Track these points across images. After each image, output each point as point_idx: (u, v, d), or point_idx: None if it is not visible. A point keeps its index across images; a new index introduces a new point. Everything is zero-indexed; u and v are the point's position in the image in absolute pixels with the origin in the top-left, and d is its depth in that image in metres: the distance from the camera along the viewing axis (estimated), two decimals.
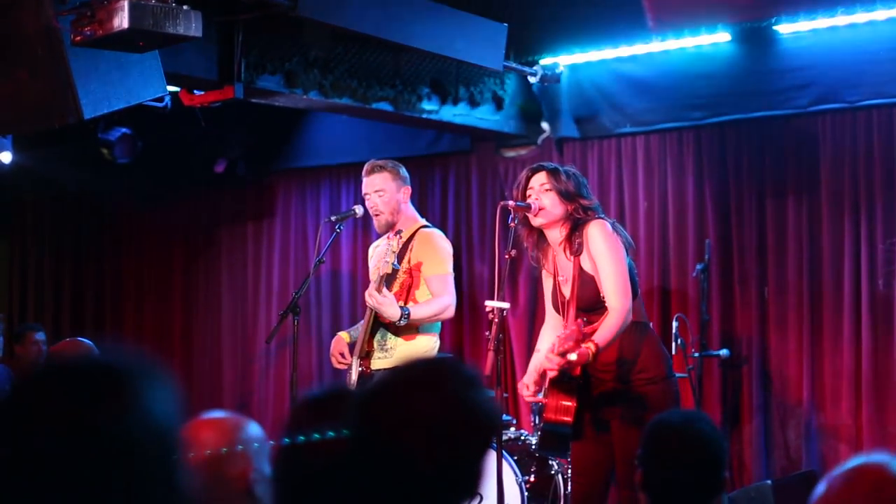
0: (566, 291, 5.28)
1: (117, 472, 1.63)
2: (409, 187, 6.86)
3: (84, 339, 5.03)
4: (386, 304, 6.47)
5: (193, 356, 10.59)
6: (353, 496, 2.14)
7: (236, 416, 3.04)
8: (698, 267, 7.75)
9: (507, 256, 5.20)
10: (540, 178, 5.28)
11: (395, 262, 6.49)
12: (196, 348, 10.61)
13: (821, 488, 2.32)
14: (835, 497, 2.30)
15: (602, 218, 5.24)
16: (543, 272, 5.50)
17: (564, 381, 5.06)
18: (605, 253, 5.14)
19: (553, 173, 5.27)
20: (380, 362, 6.58)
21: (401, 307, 6.47)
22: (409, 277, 6.71)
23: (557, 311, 5.40)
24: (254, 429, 2.97)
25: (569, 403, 5.08)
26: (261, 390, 10.03)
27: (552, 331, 5.38)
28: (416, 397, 2.15)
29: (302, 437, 2.45)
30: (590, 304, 5.17)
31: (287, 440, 2.52)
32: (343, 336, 6.88)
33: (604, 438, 5.22)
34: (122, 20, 4.79)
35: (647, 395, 5.14)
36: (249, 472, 2.89)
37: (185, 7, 4.97)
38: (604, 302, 5.12)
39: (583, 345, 4.84)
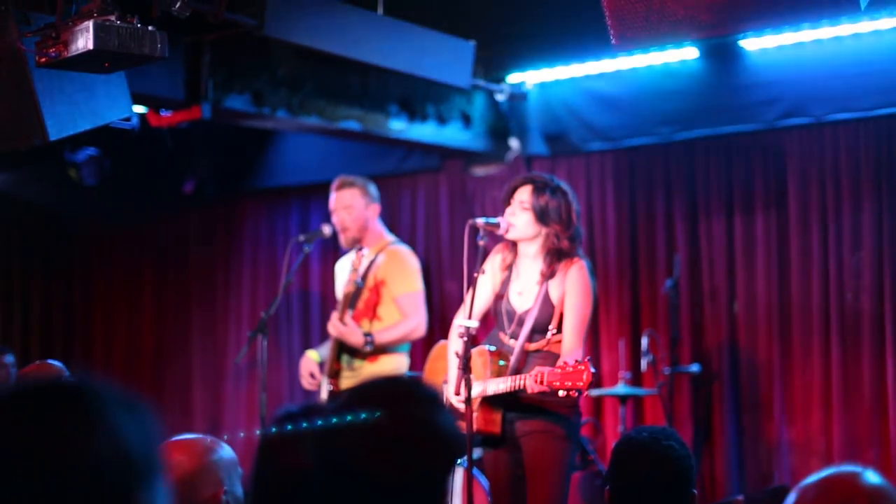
0: (519, 304, 5.29)
1: (83, 498, 1.61)
2: (378, 205, 6.87)
3: (54, 362, 4.97)
4: (348, 333, 6.51)
5: (164, 377, 10.54)
6: None
7: (208, 438, 3.03)
8: (668, 282, 7.77)
9: (476, 275, 5.20)
10: (524, 193, 5.28)
11: (360, 280, 6.51)
12: (166, 369, 10.55)
13: (791, 498, 2.32)
14: None
15: (582, 258, 5.28)
16: (486, 275, 5.41)
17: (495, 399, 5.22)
18: (580, 301, 5.26)
19: (538, 191, 5.26)
20: (348, 381, 6.59)
21: (365, 334, 6.49)
22: (376, 295, 6.72)
23: (496, 316, 5.41)
24: (226, 450, 2.96)
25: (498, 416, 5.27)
26: (232, 411, 9.98)
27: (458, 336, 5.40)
28: (377, 418, 2.15)
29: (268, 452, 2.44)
30: (542, 326, 5.27)
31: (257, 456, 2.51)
32: (312, 355, 6.88)
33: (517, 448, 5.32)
34: (86, 41, 4.76)
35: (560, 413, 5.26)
36: (221, 494, 2.87)
37: (150, 28, 4.94)
38: (550, 328, 5.26)
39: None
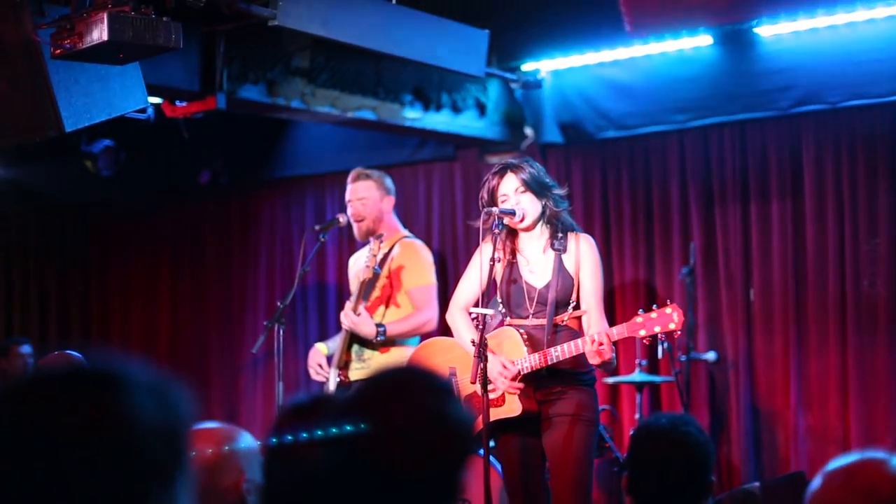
0: (536, 281, 5.29)
1: (111, 478, 1.61)
2: (393, 198, 6.89)
3: (73, 352, 4.99)
4: (361, 324, 6.52)
5: (181, 367, 10.54)
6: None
7: (228, 427, 3.04)
8: (684, 270, 7.76)
9: (491, 263, 5.20)
10: (511, 182, 5.27)
11: (377, 267, 6.53)
12: (183, 359, 10.56)
13: (817, 483, 2.32)
14: (832, 493, 2.30)
15: (585, 232, 5.37)
16: (489, 258, 5.33)
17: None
18: (596, 273, 5.32)
19: (518, 170, 5.27)
20: (357, 373, 6.61)
21: (377, 325, 6.50)
22: (390, 286, 6.73)
23: (509, 302, 5.39)
24: (246, 439, 2.96)
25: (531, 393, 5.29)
26: (248, 401, 10.00)
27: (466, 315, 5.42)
28: (388, 409, 2.16)
29: (275, 440, 2.46)
30: (564, 299, 5.26)
31: (270, 446, 2.52)
32: (320, 348, 6.91)
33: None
34: (101, 33, 4.77)
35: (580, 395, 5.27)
36: (242, 482, 2.88)
37: (164, 18, 4.96)
38: (571, 301, 5.27)
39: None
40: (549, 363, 5.15)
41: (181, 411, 1.75)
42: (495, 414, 5.22)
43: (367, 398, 2.23)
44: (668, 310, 5.03)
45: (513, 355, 5.17)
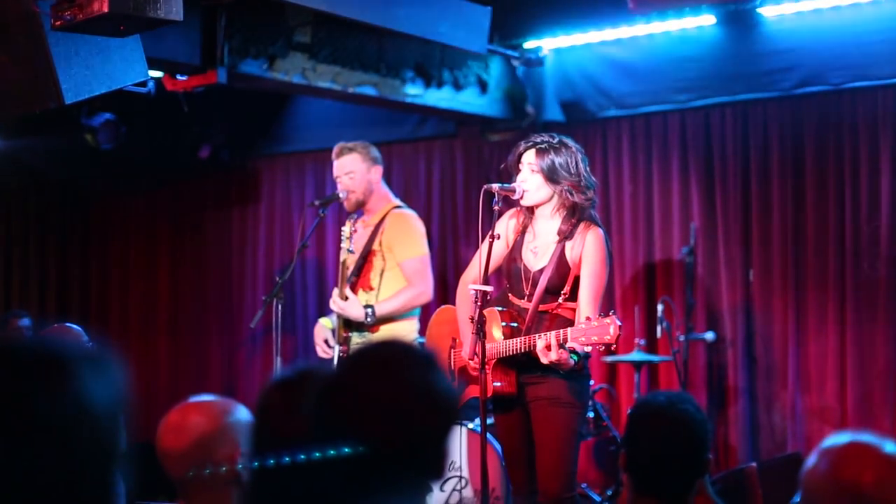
0: (533, 263, 5.27)
1: (49, 452, 1.66)
2: (381, 167, 6.86)
3: (72, 325, 4.99)
4: (348, 307, 6.54)
5: (180, 342, 10.58)
6: (316, 480, 2.14)
7: (224, 400, 3.05)
8: (684, 250, 7.76)
9: (490, 239, 5.19)
10: (530, 157, 5.25)
11: (350, 247, 6.56)
12: (182, 334, 10.59)
13: (811, 461, 2.33)
14: (827, 470, 2.31)
15: (599, 227, 5.23)
16: (500, 240, 5.35)
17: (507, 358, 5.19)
18: (597, 269, 5.17)
19: (542, 153, 5.22)
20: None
21: (365, 306, 6.51)
22: (382, 260, 6.73)
23: (509, 278, 5.39)
24: (242, 412, 2.97)
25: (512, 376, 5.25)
26: (247, 375, 10.02)
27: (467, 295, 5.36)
28: (373, 383, 2.17)
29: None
30: (556, 287, 5.21)
31: (254, 421, 2.53)
32: (324, 322, 6.91)
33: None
34: (102, 4, 4.75)
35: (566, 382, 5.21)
36: (237, 455, 2.89)
37: None
38: (563, 292, 5.19)
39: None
40: (502, 355, 5.15)
41: (119, 390, 1.78)
42: (475, 391, 5.22)
43: (352, 373, 2.24)
44: (606, 320, 4.76)
45: (488, 337, 5.15)
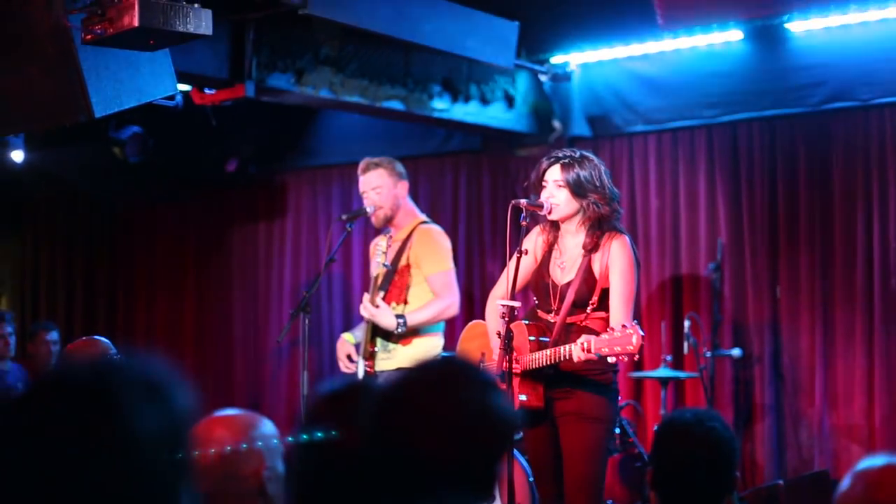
0: (560, 277, 5.26)
1: (120, 477, 1.64)
2: (407, 182, 6.86)
3: (100, 338, 5.00)
4: (380, 315, 6.53)
5: (205, 355, 10.59)
6: (367, 496, 2.14)
7: (250, 414, 3.04)
8: (710, 266, 7.74)
9: (518, 255, 5.18)
10: (554, 173, 5.25)
11: (386, 262, 6.55)
12: (208, 347, 10.61)
13: (846, 483, 2.31)
14: (862, 494, 2.29)
15: (624, 233, 5.22)
16: (528, 255, 5.34)
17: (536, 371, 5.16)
18: (625, 274, 5.14)
19: (567, 167, 5.22)
20: (384, 363, 6.61)
21: (397, 316, 6.50)
22: (409, 276, 6.72)
23: (537, 293, 5.39)
24: (267, 426, 2.96)
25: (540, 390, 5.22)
26: (272, 390, 10.03)
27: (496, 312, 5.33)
28: (433, 401, 2.16)
29: (319, 434, 2.45)
30: (584, 299, 5.19)
31: (303, 436, 2.52)
32: (347, 338, 6.90)
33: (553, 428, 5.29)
34: (132, 18, 4.78)
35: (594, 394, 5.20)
36: (262, 470, 2.89)
37: (195, 5, 4.96)
38: (591, 302, 5.17)
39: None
40: (529, 367, 5.14)
41: (181, 412, 1.76)
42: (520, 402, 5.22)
43: (410, 389, 2.23)
44: (629, 330, 4.76)
45: (521, 349, 5.16)
